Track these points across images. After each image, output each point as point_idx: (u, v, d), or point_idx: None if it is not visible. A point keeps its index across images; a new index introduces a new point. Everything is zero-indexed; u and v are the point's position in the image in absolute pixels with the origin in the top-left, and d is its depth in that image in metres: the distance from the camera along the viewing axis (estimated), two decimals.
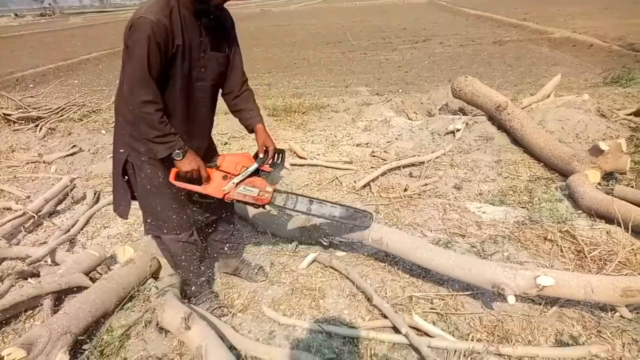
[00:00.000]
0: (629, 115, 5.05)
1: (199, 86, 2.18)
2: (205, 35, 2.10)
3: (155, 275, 2.72)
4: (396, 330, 2.29)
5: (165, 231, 2.36)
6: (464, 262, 2.42)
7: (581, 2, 21.78)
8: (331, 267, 2.88)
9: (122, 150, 2.24)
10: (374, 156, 4.71)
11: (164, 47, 1.94)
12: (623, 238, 2.79)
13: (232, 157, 2.28)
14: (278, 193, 2.41)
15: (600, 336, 2.19)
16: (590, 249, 2.78)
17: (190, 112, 2.22)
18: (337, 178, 4.24)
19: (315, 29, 19.09)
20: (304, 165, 4.54)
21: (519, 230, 3.13)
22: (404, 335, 2.22)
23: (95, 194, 4.15)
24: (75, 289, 2.64)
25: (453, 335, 2.26)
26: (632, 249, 2.73)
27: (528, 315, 2.37)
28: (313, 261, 2.95)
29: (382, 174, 4.16)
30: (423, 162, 4.37)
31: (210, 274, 2.73)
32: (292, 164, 4.49)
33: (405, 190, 3.85)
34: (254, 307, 2.56)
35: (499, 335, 2.25)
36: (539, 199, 3.54)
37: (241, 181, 2.26)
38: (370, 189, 3.97)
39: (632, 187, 3.54)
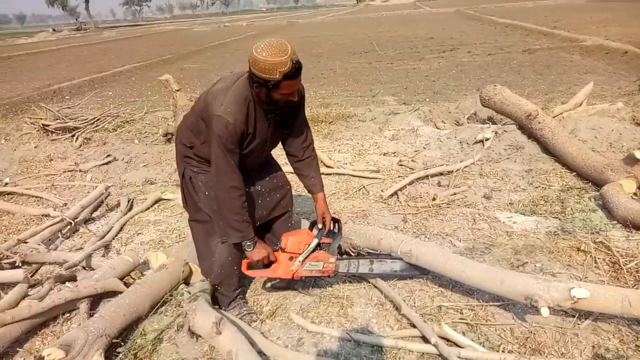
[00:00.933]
0: None
1: (263, 155, 2.44)
2: (272, 119, 2.27)
3: (187, 280, 2.78)
4: (425, 340, 2.27)
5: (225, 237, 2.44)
6: (495, 274, 2.38)
7: (614, 8, 21.32)
8: (359, 276, 2.88)
9: (180, 165, 2.47)
10: (401, 165, 4.70)
11: (238, 142, 2.16)
12: None
13: (295, 237, 2.44)
14: (340, 261, 2.57)
15: (639, 351, 2.12)
16: (626, 261, 2.70)
17: (252, 168, 2.42)
18: (364, 187, 4.25)
19: (342, 39, 19.22)
20: (331, 174, 4.57)
21: (551, 241, 3.07)
22: (434, 345, 2.20)
23: (129, 201, 4.28)
24: (110, 293, 2.72)
25: (483, 346, 2.23)
26: None
27: (561, 327, 2.31)
28: None
29: (410, 183, 4.15)
30: (452, 172, 4.34)
31: (241, 282, 2.77)
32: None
33: (434, 199, 3.83)
34: (282, 314, 2.58)
35: (530, 347, 2.20)
36: (571, 209, 3.46)
37: (305, 258, 2.44)
38: (397, 198, 3.97)
39: None
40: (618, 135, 4.54)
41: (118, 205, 4.25)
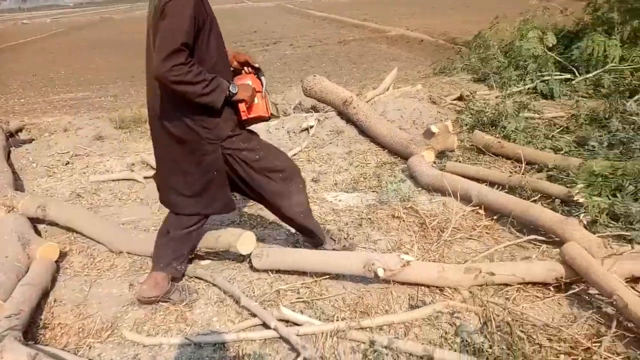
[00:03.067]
0: (454, 100, 5.75)
1: (222, 42, 2.43)
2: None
3: None
4: (266, 326, 2.33)
5: (210, 210, 2.58)
6: (338, 257, 2.65)
7: (413, 3, 24.14)
8: (196, 277, 2.81)
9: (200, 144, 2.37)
10: None
11: (199, 17, 2.17)
12: (455, 206, 3.19)
13: (250, 78, 2.49)
14: None
15: (443, 294, 2.48)
16: (430, 220, 3.12)
17: (225, 70, 2.42)
18: None
19: None
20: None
21: (371, 212, 3.38)
22: (274, 329, 2.27)
23: None
24: None
25: (319, 319, 2.36)
26: (463, 215, 3.14)
27: (384, 288, 2.57)
28: None
29: None
30: None
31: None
32: (145, 177, 4.26)
33: None
34: (115, 334, 2.39)
35: (360, 311, 2.41)
36: (385, 182, 3.85)
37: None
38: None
39: (460, 162, 4.05)
40: (419, 113, 5.19)
41: None
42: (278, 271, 2.80)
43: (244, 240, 2.77)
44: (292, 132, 5.21)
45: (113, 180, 4.29)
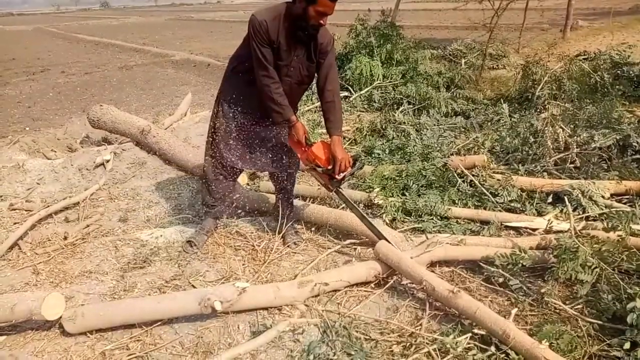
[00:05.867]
0: None
1: (285, 80, 2.78)
2: (297, 42, 2.68)
3: None
4: None
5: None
6: (169, 300, 2.49)
7: (191, 26, 24.16)
8: None
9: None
10: (14, 210, 3.96)
11: (267, 39, 2.60)
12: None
13: (318, 149, 2.81)
14: (337, 193, 2.99)
15: (282, 313, 2.53)
16: (258, 243, 3.16)
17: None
18: None
19: None
20: None
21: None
22: None
23: None
24: None
25: None
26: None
27: (223, 320, 2.49)
28: None
29: (32, 228, 3.56)
30: (78, 203, 3.97)
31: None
32: None
33: (66, 238, 3.43)
34: None
35: (202, 351, 2.30)
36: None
37: (312, 169, 2.89)
38: (20, 249, 3.35)
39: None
40: None
41: None
42: (99, 330, 2.48)
43: (50, 304, 2.39)
44: (84, 170, 4.66)
45: None
